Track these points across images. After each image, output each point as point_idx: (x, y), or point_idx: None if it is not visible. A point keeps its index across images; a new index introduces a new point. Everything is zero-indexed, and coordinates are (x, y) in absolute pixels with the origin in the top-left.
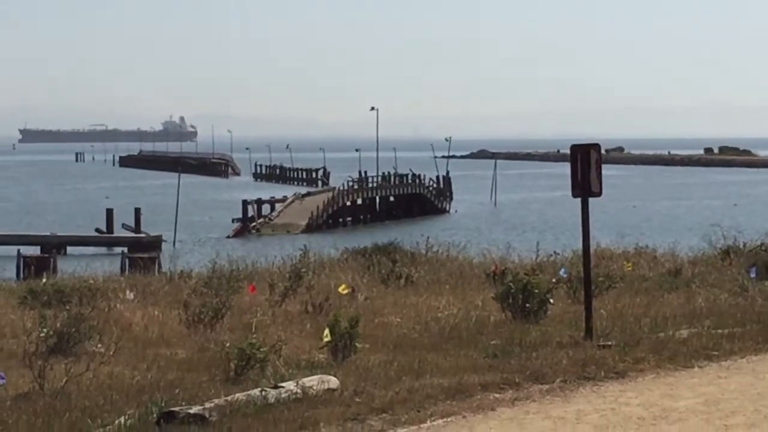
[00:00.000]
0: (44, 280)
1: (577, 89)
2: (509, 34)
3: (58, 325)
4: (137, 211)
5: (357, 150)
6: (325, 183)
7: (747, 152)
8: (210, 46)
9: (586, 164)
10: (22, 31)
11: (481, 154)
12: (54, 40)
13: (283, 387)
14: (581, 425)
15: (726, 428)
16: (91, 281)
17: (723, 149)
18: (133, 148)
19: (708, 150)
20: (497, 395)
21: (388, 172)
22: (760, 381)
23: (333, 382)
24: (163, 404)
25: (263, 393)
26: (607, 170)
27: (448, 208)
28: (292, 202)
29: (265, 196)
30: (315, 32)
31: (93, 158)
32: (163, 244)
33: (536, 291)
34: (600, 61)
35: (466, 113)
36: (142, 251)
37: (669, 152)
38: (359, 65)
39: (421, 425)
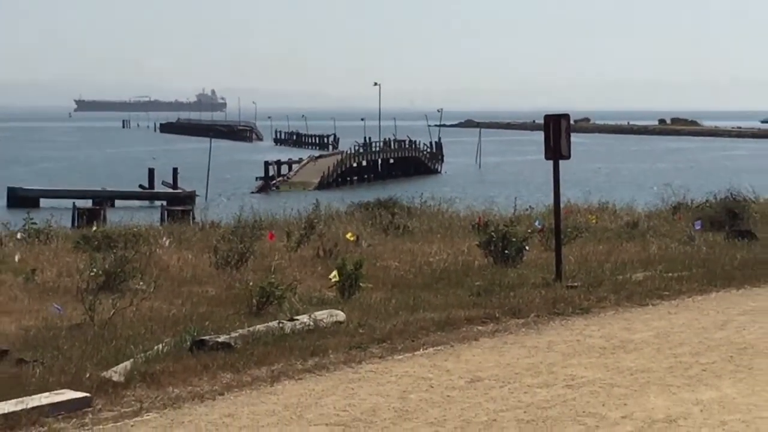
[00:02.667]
0: (95, 228)
1: (551, 66)
2: (491, 19)
3: (106, 266)
4: (175, 170)
5: (362, 119)
6: (335, 147)
7: (694, 123)
8: (237, 28)
9: (557, 131)
10: (76, 12)
11: (468, 124)
12: (102, 20)
13: (297, 320)
14: (551, 353)
15: (674, 356)
16: (135, 229)
17: (674, 120)
18: (171, 117)
19: (662, 121)
20: (480, 328)
21: (389, 138)
22: (704, 317)
23: (340, 315)
24: (195, 333)
25: (280, 325)
26: (574, 138)
27: (439, 169)
28: (307, 163)
29: (284, 158)
30: (326, 14)
31: (137, 125)
32: (197, 198)
33: (514, 239)
34: (572, 40)
35: (455, 88)
36: (178, 204)
37: (628, 123)
38: (365, 45)
39: (415, 353)
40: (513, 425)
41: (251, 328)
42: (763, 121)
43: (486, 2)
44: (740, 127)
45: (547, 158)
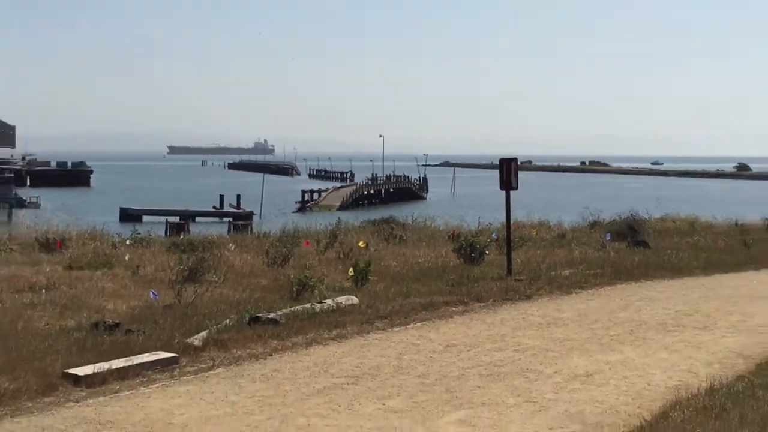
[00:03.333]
0: (181, 236)
1: (505, 123)
2: (465, 93)
3: (190, 263)
4: (238, 196)
5: (371, 161)
6: (352, 180)
7: (605, 164)
8: (283, 92)
9: (508, 169)
10: (168, 73)
11: (446, 164)
12: (189, 84)
13: (324, 302)
14: (504, 327)
15: (591, 330)
16: (210, 238)
17: (591, 162)
18: (236, 158)
19: (582, 163)
20: (453, 309)
21: (389, 174)
22: (611, 302)
23: (354, 299)
24: (252, 312)
25: (312, 306)
26: (521, 174)
27: (425, 196)
28: (331, 191)
29: (315, 188)
30: (349, 83)
31: (212, 164)
32: (254, 216)
33: (477, 246)
34: (513, 97)
35: (438, 138)
36: (240, 220)
37: (559, 164)
38: (375, 105)
39: (407, 326)
40: (476, 377)
41: (292, 309)
42: (652, 163)
43: (466, 85)
44: (637, 167)
45: (501, 189)
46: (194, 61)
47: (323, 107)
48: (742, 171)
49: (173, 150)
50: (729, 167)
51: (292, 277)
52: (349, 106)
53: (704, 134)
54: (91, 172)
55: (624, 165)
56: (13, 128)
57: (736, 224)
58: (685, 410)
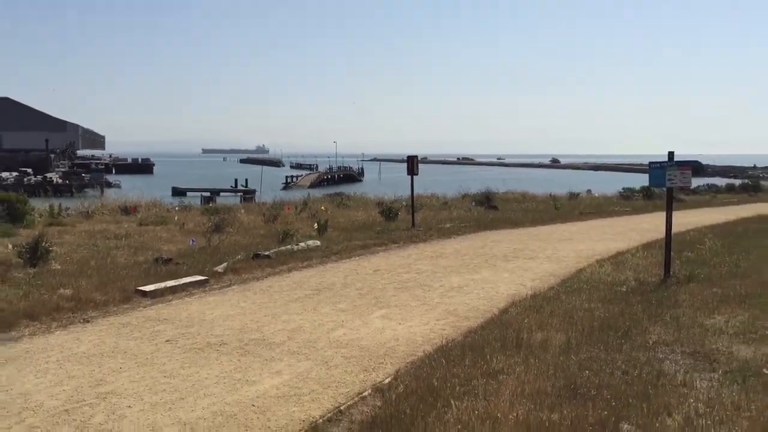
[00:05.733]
0: (210, 205)
1: (411, 127)
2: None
3: (215, 221)
4: (246, 180)
5: (328, 158)
6: (317, 169)
7: (472, 160)
8: (280, 101)
9: (412, 162)
10: (202, 85)
11: (374, 160)
12: (212, 98)
13: (299, 245)
14: (409, 259)
15: (462, 260)
16: (228, 206)
17: (464, 158)
18: (244, 156)
19: (460, 158)
20: (379, 248)
21: (340, 165)
22: (475, 243)
23: (318, 243)
24: (254, 251)
25: (292, 247)
26: (421, 166)
27: (362, 179)
28: (305, 176)
29: (294, 174)
30: (308, 98)
31: (230, 160)
32: (255, 192)
33: (393, 209)
34: (412, 110)
35: (372, 140)
36: (248, 195)
37: (444, 159)
38: (329, 114)
39: (350, 259)
40: (392, 290)
41: (279, 248)
42: (551, 160)
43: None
44: (491, 161)
45: (408, 174)
46: (218, 80)
47: (296, 118)
48: (555, 163)
49: (205, 151)
50: (546, 160)
51: (279, 229)
52: (316, 114)
53: (523, 137)
54: (153, 164)
55: (484, 160)
56: (103, 137)
57: (551, 195)
58: (518, 307)
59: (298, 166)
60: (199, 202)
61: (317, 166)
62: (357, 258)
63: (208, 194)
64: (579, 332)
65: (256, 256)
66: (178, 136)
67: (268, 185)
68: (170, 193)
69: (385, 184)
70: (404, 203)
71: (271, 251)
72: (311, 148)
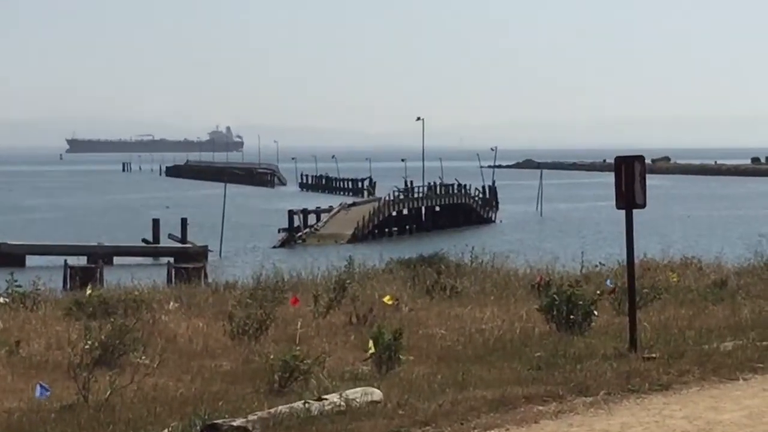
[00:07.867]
0: (89, 291)
1: (619, 98)
2: (550, 44)
3: (103, 336)
4: (183, 221)
5: (403, 160)
6: (371, 193)
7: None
8: (256, 57)
9: (630, 176)
10: (70, 44)
11: (527, 164)
12: (100, 52)
13: (326, 399)
14: None
15: None
16: (137, 292)
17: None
18: (180, 158)
19: (755, 159)
20: (541, 408)
21: (434, 182)
22: None
23: (376, 394)
24: (206, 416)
25: (306, 405)
26: (652, 180)
27: (494, 218)
28: (338, 212)
29: (311, 206)
30: (360, 46)
31: (140, 168)
32: (209, 254)
33: (581, 302)
34: (644, 70)
35: (511, 123)
36: (188, 261)
37: (716, 162)
38: (405, 77)
39: None
40: None
41: (272, 410)
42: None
43: (543, 25)
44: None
45: (618, 208)
46: (104, 23)
47: (321, 78)
48: None
49: (75, 146)
50: None
51: (272, 357)
52: (363, 73)
53: None
54: None
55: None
56: None
57: None
58: None
59: (322, 184)
60: (62, 284)
61: (373, 185)
62: None
63: (84, 261)
64: None
65: (211, 430)
66: (16, 114)
67: (244, 235)
68: None
69: (555, 231)
70: (609, 283)
71: (253, 417)
72: (353, 136)
